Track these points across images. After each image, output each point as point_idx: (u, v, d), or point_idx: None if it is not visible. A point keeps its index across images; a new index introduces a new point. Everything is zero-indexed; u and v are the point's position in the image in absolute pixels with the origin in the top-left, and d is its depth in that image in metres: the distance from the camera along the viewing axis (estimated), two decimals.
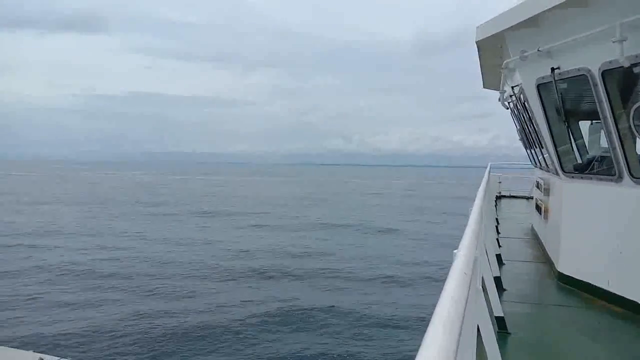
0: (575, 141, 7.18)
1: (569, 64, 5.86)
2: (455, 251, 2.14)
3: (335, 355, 14.18)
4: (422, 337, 1.08)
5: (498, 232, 10.16)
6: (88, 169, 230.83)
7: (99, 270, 24.98)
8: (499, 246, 8.79)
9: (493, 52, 7.94)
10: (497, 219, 11.75)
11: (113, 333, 16.07)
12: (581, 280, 6.45)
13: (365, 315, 17.81)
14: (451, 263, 1.94)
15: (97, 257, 28.48)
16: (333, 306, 18.77)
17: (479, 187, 5.89)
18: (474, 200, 4.52)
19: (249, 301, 19.63)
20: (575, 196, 6.76)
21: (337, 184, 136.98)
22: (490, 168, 12.38)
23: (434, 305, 1.31)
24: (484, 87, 11.60)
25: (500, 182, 18.41)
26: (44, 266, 25.91)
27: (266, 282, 23.28)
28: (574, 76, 5.85)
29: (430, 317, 1.20)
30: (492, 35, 6.92)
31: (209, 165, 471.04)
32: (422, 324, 15.89)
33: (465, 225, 2.86)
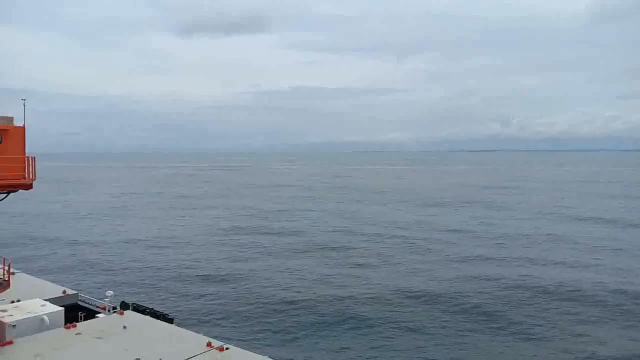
0: None
1: None
2: None
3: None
4: None
5: None
6: (266, 161, 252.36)
7: (353, 248, 31.22)
8: None
9: None
10: None
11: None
12: None
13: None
14: None
15: (346, 237, 34.93)
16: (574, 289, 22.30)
17: None
18: None
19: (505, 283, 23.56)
20: None
21: (515, 170, 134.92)
22: None
23: None
24: None
25: None
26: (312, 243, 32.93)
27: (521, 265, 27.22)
28: None
29: None
30: None
31: (367, 154, 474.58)
32: None
33: None
